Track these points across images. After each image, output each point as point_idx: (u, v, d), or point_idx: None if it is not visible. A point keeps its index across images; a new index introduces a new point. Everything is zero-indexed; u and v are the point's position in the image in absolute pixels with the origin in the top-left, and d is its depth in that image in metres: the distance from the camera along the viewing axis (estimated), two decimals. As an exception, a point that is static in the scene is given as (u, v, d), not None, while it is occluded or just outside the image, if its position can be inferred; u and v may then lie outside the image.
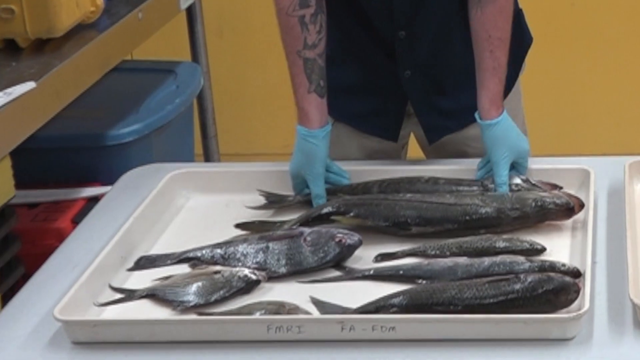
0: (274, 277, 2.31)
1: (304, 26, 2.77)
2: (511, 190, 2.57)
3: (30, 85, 2.86)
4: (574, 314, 2.00)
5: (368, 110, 3.07)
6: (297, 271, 2.33)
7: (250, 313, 2.14)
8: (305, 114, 2.75)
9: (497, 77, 2.87)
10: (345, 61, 3.05)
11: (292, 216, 2.56)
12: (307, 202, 2.64)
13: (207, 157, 4.30)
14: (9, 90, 2.82)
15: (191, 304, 2.19)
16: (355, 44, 3.03)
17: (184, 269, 2.36)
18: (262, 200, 2.67)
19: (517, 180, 2.59)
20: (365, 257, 2.37)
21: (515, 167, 2.83)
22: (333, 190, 2.66)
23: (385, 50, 2.96)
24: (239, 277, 2.26)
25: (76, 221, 3.18)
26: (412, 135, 3.17)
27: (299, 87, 2.78)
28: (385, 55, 2.98)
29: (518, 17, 3.10)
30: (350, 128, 3.07)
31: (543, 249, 2.31)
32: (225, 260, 2.37)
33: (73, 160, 3.50)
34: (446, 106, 3.02)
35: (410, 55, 2.95)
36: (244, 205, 2.69)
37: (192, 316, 2.15)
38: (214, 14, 5.12)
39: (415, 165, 2.89)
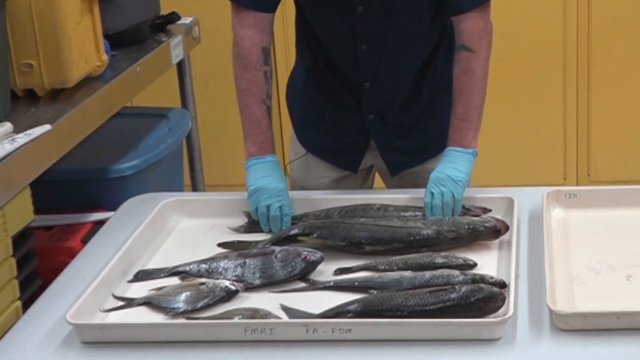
0: (250, 288, 2.38)
1: (267, 80, 2.86)
2: (451, 216, 2.65)
3: (46, 127, 2.91)
4: (500, 318, 2.09)
5: (335, 145, 3.11)
6: (269, 283, 2.40)
7: (230, 317, 2.21)
8: (264, 146, 2.79)
9: (472, 120, 2.96)
10: (318, 100, 3.10)
11: (265, 237, 2.63)
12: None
13: (195, 188, 4.29)
14: (28, 131, 2.86)
15: (181, 310, 2.26)
16: (328, 87, 3.05)
17: (175, 281, 2.44)
18: (241, 223, 2.74)
19: None
20: (326, 271, 2.44)
21: (443, 194, 2.85)
22: (300, 216, 2.72)
23: (353, 96, 3.01)
24: (221, 287, 2.33)
25: (85, 241, 3.20)
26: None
27: (261, 126, 2.83)
28: (352, 100, 3.02)
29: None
30: (319, 159, 3.12)
31: (474, 264, 2.40)
32: (209, 273, 2.43)
33: (82, 190, 3.52)
34: (405, 146, 3.09)
35: (374, 103, 3.01)
36: (226, 227, 2.76)
37: (182, 320, 2.22)
38: (201, 69, 5.08)
39: (369, 194, 2.95)
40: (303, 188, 3.16)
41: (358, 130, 3.07)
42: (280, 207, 2.69)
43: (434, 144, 3.04)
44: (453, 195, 2.75)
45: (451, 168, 2.85)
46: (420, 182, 3.04)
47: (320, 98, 3.11)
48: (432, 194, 2.76)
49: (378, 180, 3.35)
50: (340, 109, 3.07)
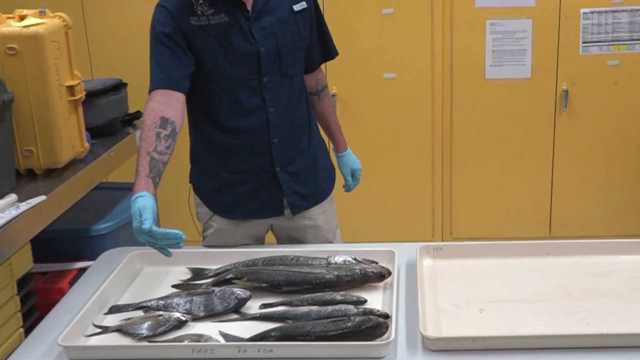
0: (196, 319, 2.53)
1: (159, 139, 2.80)
2: (347, 264, 2.72)
3: (42, 198, 3.00)
4: (385, 341, 2.28)
5: (251, 202, 3.14)
6: (210, 315, 2.54)
7: (181, 341, 2.37)
8: (139, 186, 2.70)
9: (341, 133, 3.44)
10: (227, 167, 3.11)
11: (207, 280, 2.75)
12: (217, 273, 2.79)
13: None
14: (29, 201, 2.96)
15: (144, 335, 2.42)
16: (236, 153, 3.08)
17: (139, 313, 2.56)
18: (189, 273, 2.84)
19: (349, 258, 2.75)
20: (253, 306, 2.59)
21: (354, 175, 3.46)
22: (232, 265, 2.80)
23: (263, 153, 3.08)
24: (174, 318, 2.49)
25: (71, 283, 3.24)
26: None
27: (140, 172, 2.75)
28: (265, 155, 3.08)
29: (328, 156, 3.39)
30: (230, 222, 3.16)
31: (365, 301, 2.55)
32: (165, 308, 2.56)
33: (69, 245, 3.52)
34: (304, 190, 3.20)
35: (281, 156, 3.10)
36: (184, 270, 2.86)
37: (145, 343, 2.38)
38: None
39: (284, 248, 3.04)
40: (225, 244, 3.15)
41: (269, 182, 3.12)
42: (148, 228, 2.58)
43: (322, 187, 3.29)
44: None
45: (355, 160, 3.45)
46: (301, 238, 3.26)
47: (227, 164, 3.11)
48: (353, 176, 3.45)
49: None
50: (250, 169, 3.11)
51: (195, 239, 4.86)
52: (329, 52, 3.31)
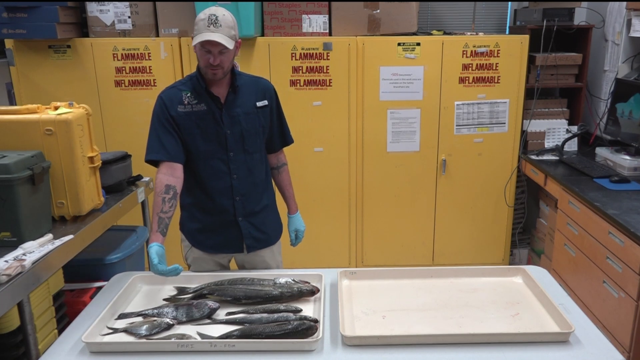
0: (180, 323, 2.51)
1: (164, 202, 2.81)
2: (288, 284, 2.68)
3: (70, 236, 2.94)
4: (315, 339, 2.28)
5: (219, 240, 3.08)
6: (191, 320, 2.52)
7: (169, 338, 2.35)
8: (151, 239, 2.71)
9: (293, 199, 3.29)
10: (203, 214, 3.04)
11: (188, 295, 2.70)
12: (195, 290, 2.70)
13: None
14: (61, 239, 2.91)
15: (143, 334, 2.41)
16: (210, 205, 3.00)
17: (140, 319, 2.55)
18: (175, 290, 2.78)
19: (289, 280, 2.72)
20: (221, 313, 2.57)
21: (297, 234, 3.28)
22: (207, 284, 2.73)
23: (229, 207, 3.01)
24: (165, 322, 2.48)
25: (91, 297, 3.21)
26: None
27: (153, 228, 2.76)
28: (229, 209, 3.01)
29: (278, 214, 3.26)
30: (205, 253, 3.11)
31: (300, 310, 2.54)
32: (158, 315, 2.54)
33: (90, 270, 3.46)
34: (258, 235, 3.12)
35: (242, 209, 3.04)
36: (171, 288, 2.81)
37: (144, 340, 2.36)
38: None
39: (243, 273, 2.93)
40: (201, 269, 3.10)
41: (233, 227, 3.06)
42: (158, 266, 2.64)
43: (271, 235, 3.19)
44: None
45: (300, 222, 3.28)
46: (249, 265, 3.18)
47: (204, 212, 3.04)
48: (297, 237, 3.26)
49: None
50: (220, 216, 3.03)
51: (185, 266, 4.84)
52: (286, 140, 3.21)
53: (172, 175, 2.87)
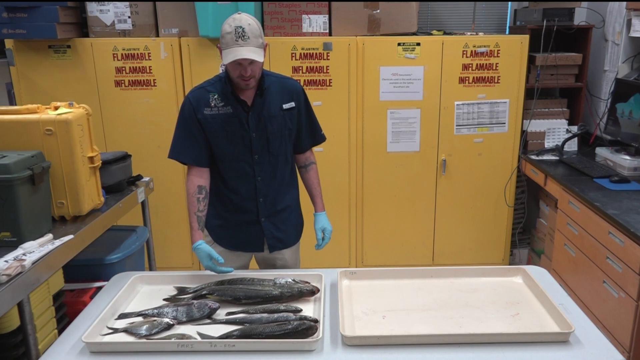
0: (180, 323, 2.50)
1: (199, 202, 2.92)
2: (288, 284, 2.68)
3: (70, 236, 2.94)
4: (315, 339, 2.28)
5: (241, 238, 3.12)
6: (191, 320, 2.51)
7: (169, 338, 2.34)
8: (195, 237, 2.85)
9: (320, 197, 3.21)
10: (230, 214, 3.07)
11: (188, 295, 2.69)
12: (196, 290, 2.70)
13: (150, 268, 4.10)
14: (61, 239, 2.91)
15: (143, 334, 2.39)
16: (236, 205, 3.04)
17: (140, 318, 2.54)
18: (175, 290, 2.78)
19: (289, 280, 2.72)
20: (221, 313, 2.55)
21: (324, 233, 3.11)
22: (207, 284, 2.73)
23: (253, 207, 3.05)
24: (165, 322, 2.47)
25: (91, 297, 3.20)
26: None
27: (193, 227, 2.90)
28: (252, 210, 3.05)
29: (301, 215, 3.27)
30: (226, 250, 3.12)
31: (301, 310, 2.53)
32: (158, 315, 2.54)
33: (90, 270, 3.45)
34: (280, 235, 3.14)
35: (265, 210, 3.06)
36: (171, 288, 2.81)
37: (144, 340, 2.35)
38: (153, 205, 4.93)
39: (244, 273, 2.91)
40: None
41: (255, 226, 3.09)
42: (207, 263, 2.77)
43: (292, 234, 3.20)
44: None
45: (327, 222, 3.17)
46: (273, 264, 3.22)
47: (227, 211, 3.07)
48: (324, 238, 3.10)
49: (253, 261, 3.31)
50: (243, 216, 3.06)
51: (185, 266, 4.86)
52: (316, 138, 3.20)
53: (201, 177, 2.96)
